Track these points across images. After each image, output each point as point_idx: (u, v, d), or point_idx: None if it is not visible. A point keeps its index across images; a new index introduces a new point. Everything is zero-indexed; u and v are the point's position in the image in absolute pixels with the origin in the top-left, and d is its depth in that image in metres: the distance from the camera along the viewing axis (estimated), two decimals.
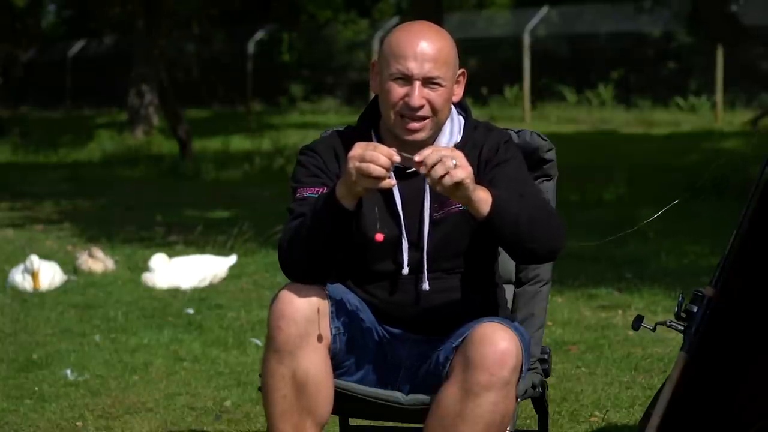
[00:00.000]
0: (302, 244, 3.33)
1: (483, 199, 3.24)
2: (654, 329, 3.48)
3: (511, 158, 3.48)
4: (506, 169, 3.45)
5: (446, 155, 3.16)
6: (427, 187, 3.44)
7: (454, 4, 27.58)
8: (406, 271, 3.43)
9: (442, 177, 3.14)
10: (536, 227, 3.29)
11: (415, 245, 3.45)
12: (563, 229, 3.37)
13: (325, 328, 3.32)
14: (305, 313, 3.29)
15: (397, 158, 3.20)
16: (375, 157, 3.18)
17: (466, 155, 3.33)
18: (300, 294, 3.31)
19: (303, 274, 3.35)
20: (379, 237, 3.32)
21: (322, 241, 3.31)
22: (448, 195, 3.22)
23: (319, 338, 3.30)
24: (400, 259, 3.43)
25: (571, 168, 12.44)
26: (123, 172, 16.38)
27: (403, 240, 3.44)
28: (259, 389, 3.37)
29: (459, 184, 3.16)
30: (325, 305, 3.33)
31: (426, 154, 3.17)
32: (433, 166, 3.15)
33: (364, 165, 3.18)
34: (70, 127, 23.73)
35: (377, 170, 3.18)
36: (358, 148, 3.22)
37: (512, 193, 3.32)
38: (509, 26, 26.48)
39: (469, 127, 3.57)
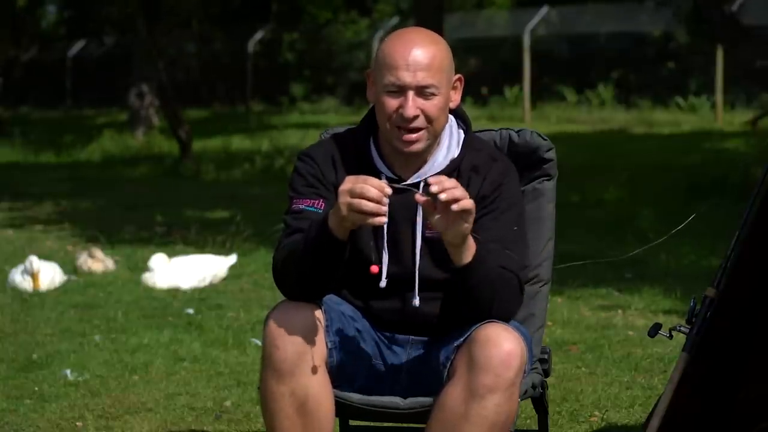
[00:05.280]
0: (295, 269, 3.31)
1: (470, 246, 3.23)
2: (670, 336, 3.47)
3: (506, 209, 3.43)
4: (498, 223, 3.40)
5: (461, 187, 3.13)
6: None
7: (454, 4, 27.57)
8: (383, 284, 3.39)
9: (454, 199, 3.10)
10: (499, 292, 3.30)
11: (405, 261, 3.42)
12: (517, 305, 3.39)
13: (322, 343, 3.30)
14: (301, 331, 3.26)
15: (389, 191, 3.13)
16: (365, 190, 3.12)
17: (462, 177, 3.37)
18: (295, 312, 3.29)
19: (297, 295, 3.33)
20: (374, 269, 3.30)
21: (315, 269, 3.28)
22: (447, 230, 3.16)
23: (316, 355, 3.28)
24: (381, 273, 3.41)
25: (571, 168, 12.45)
26: (123, 172, 16.38)
27: (384, 254, 3.42)
28: (258, 388, 3.36)
29: (464, 214, 3.12)
30: (319, 320, 3.31)
31: (442, 179, 3.13)
32: (447, 190, 3.10)
33: (355, 201, 3.13)
34: (70, 127, 23.73)
35: (368, 206, 3.12)
36: (348, 182, 3.16)
37: (493, 254, 3.30)
38: (509, 26, 26.46)
39: (469, 143, 3.51)
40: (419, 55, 3.35)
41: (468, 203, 3.12)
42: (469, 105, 22.65)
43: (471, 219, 3.16)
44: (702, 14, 18.28)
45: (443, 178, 3.16)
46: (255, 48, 29.46)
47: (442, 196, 3.10)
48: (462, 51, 25.52)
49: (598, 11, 25.21)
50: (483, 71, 25.81)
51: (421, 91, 3.36)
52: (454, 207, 3.11)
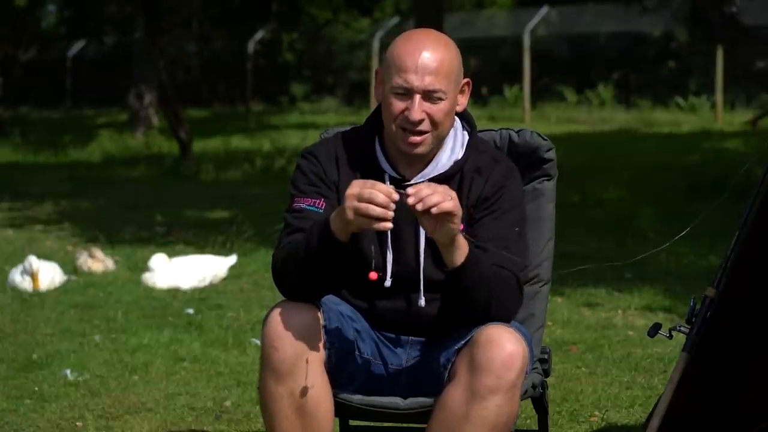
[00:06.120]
0: (296, 270, 3.30)
1: (462, 246, 3.23)
2: (670, 336, 3.47)
3: (508, 210, 3.43)
4: (500, 222, 3.41)
5: (440, 192, 3.14)
6: None
7: (454, 4, 27.57)
8: (388, 283, 3.40)
9: (431, 207, 3.11)
10: (496, 291, 3.29)
11: (408, 261, 3.43)
12: (517, 305, 3.39)
13: (320, 343, 3.30)
14: (300, 331, 3.26)
15: (395, 196, 3.13)
16: (373, 195, 3.12)
17: (465, 178, 3.37)
18: (293, 312, 3.28)
19: (297, 295, 3.33)
20: (373, 276, 3.30)
21: (316, 270, 3.28)
22: (434, 231, 3.17)
23: (315, 355, 3.27)
24: (386, 272, 3.41)
25: (571, 168, 12.45)
26: (123, 172, 16.38)
27: (388, 254, 3.42)
28: (258, 388, 3.37)
29: (448, 215, 3.13)
30: (318, 321, 3.30)
31: (420, 188, 3.14)
32: (423, 198, 3.11)
33: (362, 205, 3.12)
34: (70, 127, 23.74)
35: (376, 211, 3.12)
36: (356, 186, 3.15)
37: (489, 254, 3.31)
38: (509, 26, 26.47)
39: (473, 145, 3.51)
40: (428, 59, 3.35)
41: (447, 206, 3.13)
42: (469, 105, 22.56)
43: (456, 219, 3.16)
44: (701, 15, 18.29)
45: (422, 186, 3.16)
46: (255, 48, 29.47)
47: (418, 207, 3.12)
48: (462, 51, 25.37)
49: (598, 11, 25.22)
50: (483, 71, 25.82)
51: (428, 96, 3.36)
52: (434, 211, 3.13)
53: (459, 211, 3.17)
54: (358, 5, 29.63)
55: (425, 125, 3.37)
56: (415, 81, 3.34)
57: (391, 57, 3.40)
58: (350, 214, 3.15)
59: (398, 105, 3.37)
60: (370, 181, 3.17)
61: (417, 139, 3.38)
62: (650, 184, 12.62)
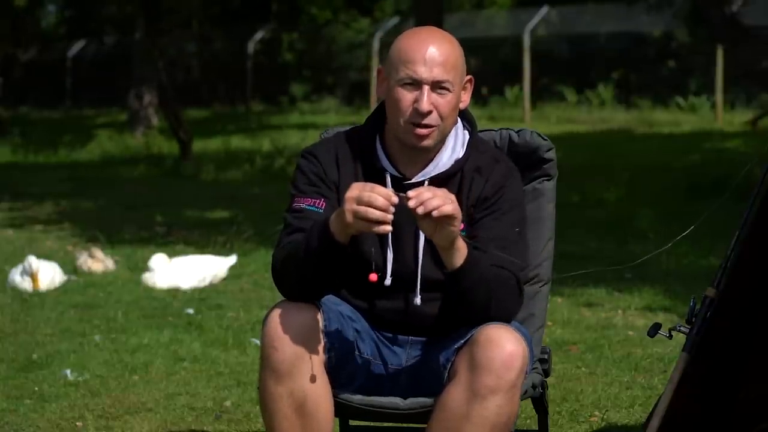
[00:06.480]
0: (295, 270, 3.31)
1: (461, 248, 3.23)
2: (670, 336, 3.47)
3: (507, 210, 3.43)
4: (499, 222, 3.41)
5: (440, 195, 3.14)
6: None
7: (454, 4, 27.57)
8: (388, 282, 3.41)
9: (431, 210, 3.11)
10: (496, 292, 3.29)
11: (407, 261, 3.43)
12: (517, 305, 3.39)
13: (320, 343, 3.30)
14: (300, 331, 3.26)
15: (395, 199, 3.13)
16: (373, 198, 3.12)
17: (465, 178, 3.38)
18: (293, 313, 3.29)
19: (296, 295, 3.33)
20: (373, 277, 3.30)
21: (316, 270, 3.28)
22: (434, 234, 3.17)
23: (315, 355, 3.27)
24: (386, 271, 3.42)
25: (571, 168, 12.45)
26: (123, 172, 16.38)
27: (388, 253, 3.43)
28: (258, 388, 3.37)
29: (448, 218, 3.13)
30: (318, 321, 3.30)
31: (420, 191, 3.14)
32: (424, 202, 3.11)
33: (361, 208, 3.13)
34: (70, 127, 23.74)
35: (375, 214, 3.12)
36: (355, 189, 3.16)
37: (488, 255, 3.31)
38: (509, 26, 26.47)
39: (473, 145, 3.52)
40: (435, 51, 3.37)
41: (447, 209, 3.13)
42: (469, 105, 22.61)
43: (456, 222, 3.17)
44: (701, 15, 18.29)
45: (422, 189, 3.16)
46: (255, 48, 29.47)
47: (419, 211, 3.12)
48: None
49: (598, 11, 25.22)
50: (483, 71, 25.80)
51: (437, 87, 3.38)
52: (435, 214, 3.13)
53: (459, 215, 3.17)
54: (358, 5, 29.62)
55: (433, 118, 3.38)
56: (424, 72, 3.36)
57: (397, 52, 3.41)
58: (349, 217, 3.15)
59: (407, 97, 3.38)
60: (370, 184, 3.17)
61: (424, 131, 3.39)
62: (650, 184, 12.62)
